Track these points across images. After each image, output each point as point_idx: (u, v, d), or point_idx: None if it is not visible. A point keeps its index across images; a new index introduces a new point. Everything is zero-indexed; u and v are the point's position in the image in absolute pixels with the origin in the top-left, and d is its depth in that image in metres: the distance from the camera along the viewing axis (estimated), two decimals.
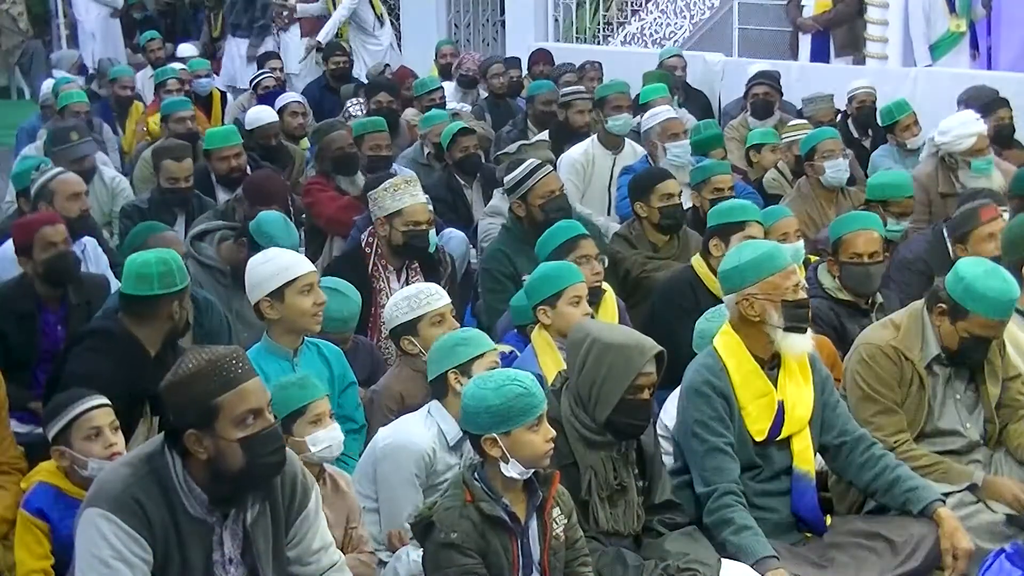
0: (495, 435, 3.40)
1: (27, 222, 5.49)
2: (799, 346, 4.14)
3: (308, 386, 4.01)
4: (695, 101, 10.23)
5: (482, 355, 4.16)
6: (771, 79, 9.49)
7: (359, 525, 4.02)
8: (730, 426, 4.10)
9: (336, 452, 4.01)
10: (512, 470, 3.42)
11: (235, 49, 13.45)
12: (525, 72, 11.15)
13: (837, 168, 7.03)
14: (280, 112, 9.26)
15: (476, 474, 3.50)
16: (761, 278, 4.13)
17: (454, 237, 6.78)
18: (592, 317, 4.95)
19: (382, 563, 4.03)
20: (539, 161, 6.33)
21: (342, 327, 5.13)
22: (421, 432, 4.08)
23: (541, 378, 4.66)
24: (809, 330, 4.20)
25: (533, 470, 3.48)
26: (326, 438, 3.93)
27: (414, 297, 4.71)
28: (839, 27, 11.18)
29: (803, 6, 11.34)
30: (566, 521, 3.60)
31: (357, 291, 5.28)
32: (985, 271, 4.34)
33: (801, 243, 5.91)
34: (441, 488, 4.05)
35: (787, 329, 4.10)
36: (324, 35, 12.89)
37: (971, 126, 7.00)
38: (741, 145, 8.64)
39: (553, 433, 3.49)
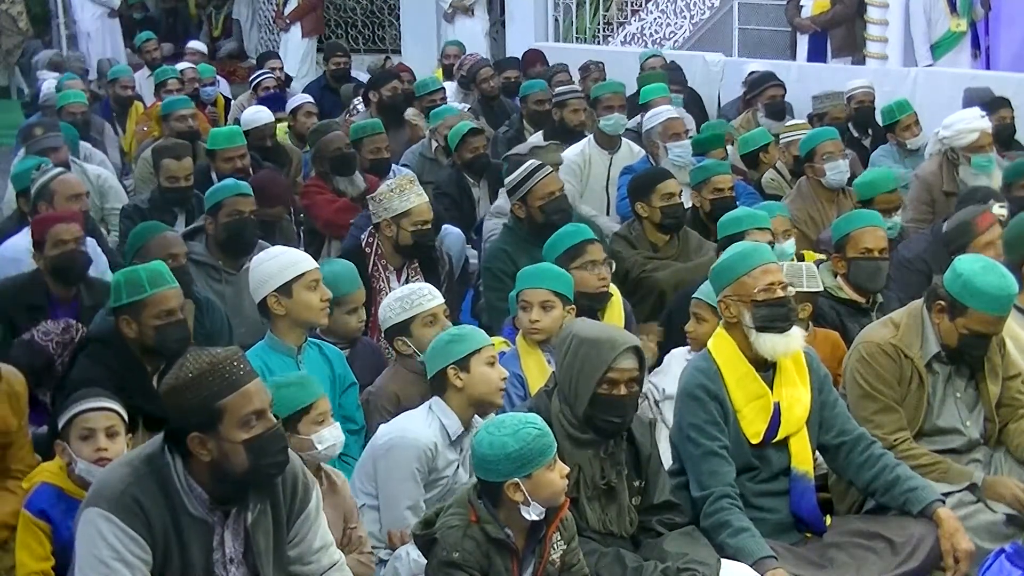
0: (517, 480, 3.40)
1: (44, 217, 5.62)
2: (777, 347, 4.09)
3: (310, 385, 4.02)
4: (692, 101, 10.22)
5: (479, 350, 4.13)
6: (779, 80, 9.50)
7: (358, 525, 4.02)
8: (724, 429, 4.09)
9: (339, 450, 4.04)
10: (533, 512, 3.42)
11: None
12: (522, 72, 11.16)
13: (838, 170, 7.03)
14: (294, 112, 9.35)
15: (481, 496, 3.48)
16: (734, 279, 4.15)
17: (451, 233, 6.80)
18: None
19: (382, 562, 4.02)
20: (539, 162, 6.32)
21: (351, 288, 5.03)
22: (423, 428, 4.07)
23: (522, 379, 4.69)
24: (796, 330, 4.15)
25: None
26: (331, 436, 3.95)
27: (407, 298, 4.71)
28: (837, 28, 11.18)
29: (802, 6, 11.35)
30: (565, 547, 3.59)
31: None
32: (983, 267, 4.34)
33: (790, 243, 5.90)
34: (441, 484, 4.07)
35: (760, 329, 4.08)
36: None
37: (975, 122, 7.02)
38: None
39: (567, 470, 3.50)
